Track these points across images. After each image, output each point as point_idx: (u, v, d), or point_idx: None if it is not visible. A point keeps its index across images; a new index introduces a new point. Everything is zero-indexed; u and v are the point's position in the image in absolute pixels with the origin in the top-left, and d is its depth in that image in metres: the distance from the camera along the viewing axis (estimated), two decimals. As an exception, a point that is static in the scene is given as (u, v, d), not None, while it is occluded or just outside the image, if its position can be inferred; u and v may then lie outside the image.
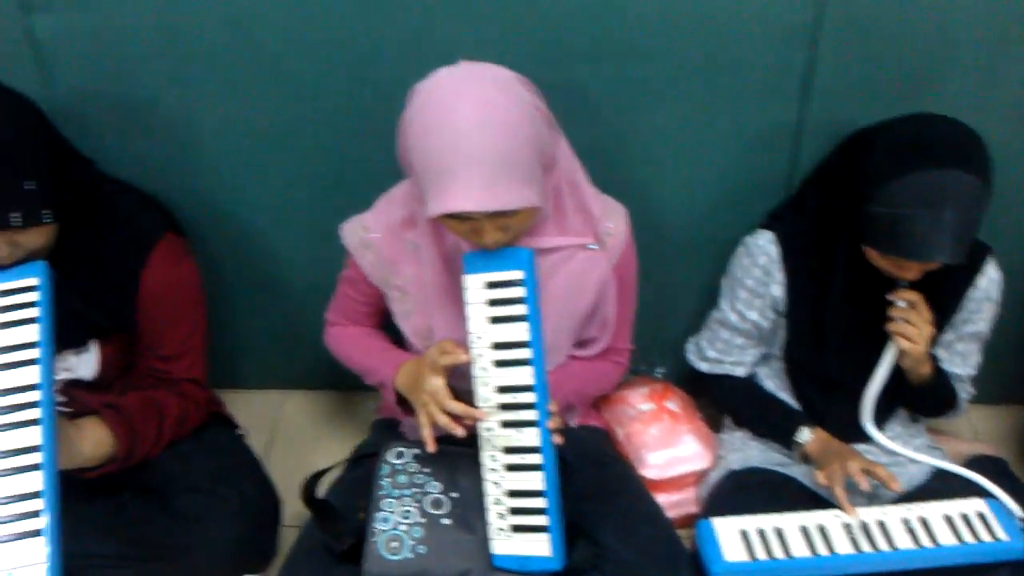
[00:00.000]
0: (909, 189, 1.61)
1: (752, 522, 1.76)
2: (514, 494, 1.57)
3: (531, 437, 1.55)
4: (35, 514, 1.47)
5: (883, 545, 1.73)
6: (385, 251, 1.72)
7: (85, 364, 1.83)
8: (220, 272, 2.17)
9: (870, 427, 1.92)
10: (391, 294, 1.76)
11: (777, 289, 1.90)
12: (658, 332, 2.20)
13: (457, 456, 1.67)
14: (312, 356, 2.40)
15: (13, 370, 1.53)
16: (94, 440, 1.71)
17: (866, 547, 1.73)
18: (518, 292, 1.54)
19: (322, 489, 1.79)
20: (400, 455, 1.73)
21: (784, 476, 1.93)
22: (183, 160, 2.03)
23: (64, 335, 1.64)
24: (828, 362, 1.91)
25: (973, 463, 1.95)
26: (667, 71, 1.85)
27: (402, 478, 1.69)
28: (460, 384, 1.61)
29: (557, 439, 1.56)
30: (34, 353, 1.54)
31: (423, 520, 1.64)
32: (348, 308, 1.86)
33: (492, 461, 1.58)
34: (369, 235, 1.73)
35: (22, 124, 1.58)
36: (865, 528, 1.75)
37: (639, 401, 2.16)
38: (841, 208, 1.75)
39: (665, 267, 2.09)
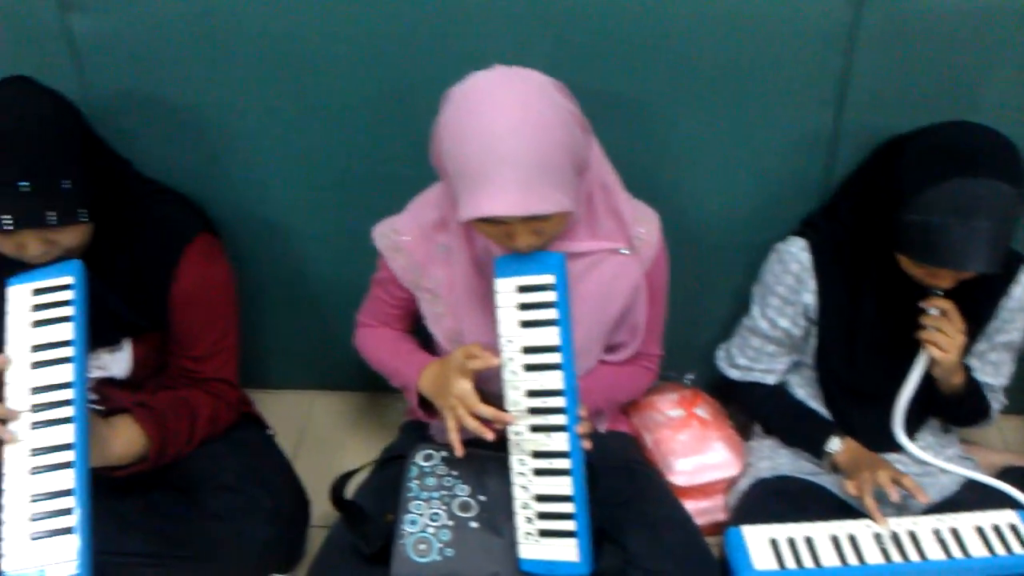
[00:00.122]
0: (943, 197, 1.60)
1: (782, 531, 1.75)
2: (542, 498, 1.57)
3: (560, 442, 1.55)
4: (67, 511, 1.48)
5: (913, 556, 1.71)
6: (416, 254, 1.73)
7: (118, 362, 1.84)
8: (250, 272, 2.18)
9: (901, 436, 1.90)
10: (422, 297, 1.76)
11: (809, 296, 1.89)
12: (688, 338, 2.19)
13: (485, 459, 1.68)
14: (341, 357, 2.40)
15: (47, 368, 1.55)
16: (126, 439, 1.72)
17: (896, 557, 1.71)
18: (549, 296, 1.54)
19: (350, 490, 1.79)
20: (429, 457, 1.73)
21: (814, 485, 1.92)
22: (216, 161, 2.05)
23: (98, 333, 1.66)
24: (859, 370, 1.90)
25: (1005, 474, 1.94)
26: (703, 76, 1.85)
27: (430, 480, 1.70)
28: (487, 387, 1.61)
29: (586, 444, 1.56)
30: (68, 351, 1.55)
31: (451, 523, 1.64)
32: (379, 310, 1.86)
33: (520, 465, 1.58)
34: (400, 238, 1.73)
35: (60, 123, 1.59)
36: (895, 538, 1.74)
37: (668, 407, 2.15)
38: (875, 215, 1.74)
39: (696, 273, 2.08)
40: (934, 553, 1.71)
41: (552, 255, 1.55)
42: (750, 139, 1.93)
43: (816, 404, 2.02)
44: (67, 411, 1.52)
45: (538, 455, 1.57)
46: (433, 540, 1.62)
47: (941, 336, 1.75)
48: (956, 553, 1.71)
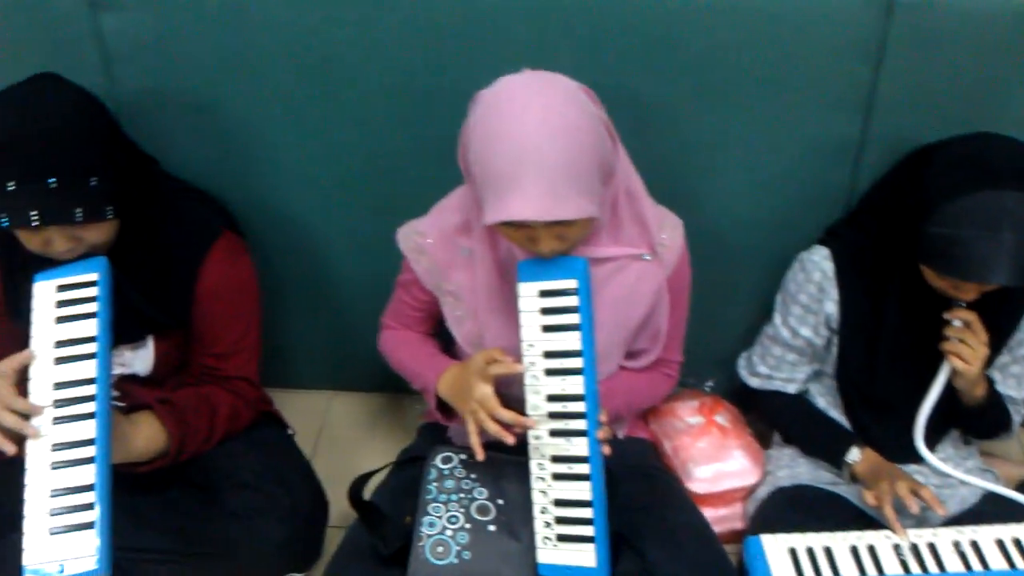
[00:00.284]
0: (968, 210, 1.59)
1: (801, 540, 1.75)
2: (561, 503, 1.56)
3: (580, 447, 1.55)
4: (88, 507, 1.49)
5: (933, 567, 1.71)
6: (439, 257, 1.73)
7: (141, 359, 1.84)
8: (272, 272, 2.18)
9: (922, 448, 1.89)
10: (444, 300, 1.76)
11: (831, 306, 1.89)
12: (709, 345, 2.18)
13: (504, 463, 1.68)
14: (360, 358, 2.41)
15: (71, 364, 1.55)
16: (147, 435, 1.73)
17: (915, 569, 1.71)
18: (571, 301, 1.54)
19: (367, 491, 1.79)
20: (447, 460, 1.74)
21: (833, 494, 1.91)
22: (241, 161, 2.06)
23: (121, 330, 1.66)
24: (881, 381, 1.89)
25: (1025, 487, 1.93)
26: (729, 82, 1.85)
27: (449, 483, 1.70)
28: (507, 391, 1.61)
29: (606, 450, 1.55)
30: (91, 348, 1.56)
31: (469, 526, 1.64)
32: (402, 312, 1.86)
33: (540, 469, 1.58)
34: (423, 240, 1.73)
35: (88, 121, 1.60)
36: (915, 550, 1.73)
37: (688, 414, 2.15)
38: (899, 226, 1.73)
39: (719, 280, 2.07)
40: (953, 565, 1.70)
41: (575, 260, 1.55)
42: (775, 146, 1.93)
43: (836, 414, 2.01)
44: (89, 407, 1.53)
45: (557, 460, 1.56)
46: (451, 543, 1.62)
47: (964, 348, 1.74)
48: (976, 566, 1.70)
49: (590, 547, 1.54)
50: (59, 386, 1.54)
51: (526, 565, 1.60)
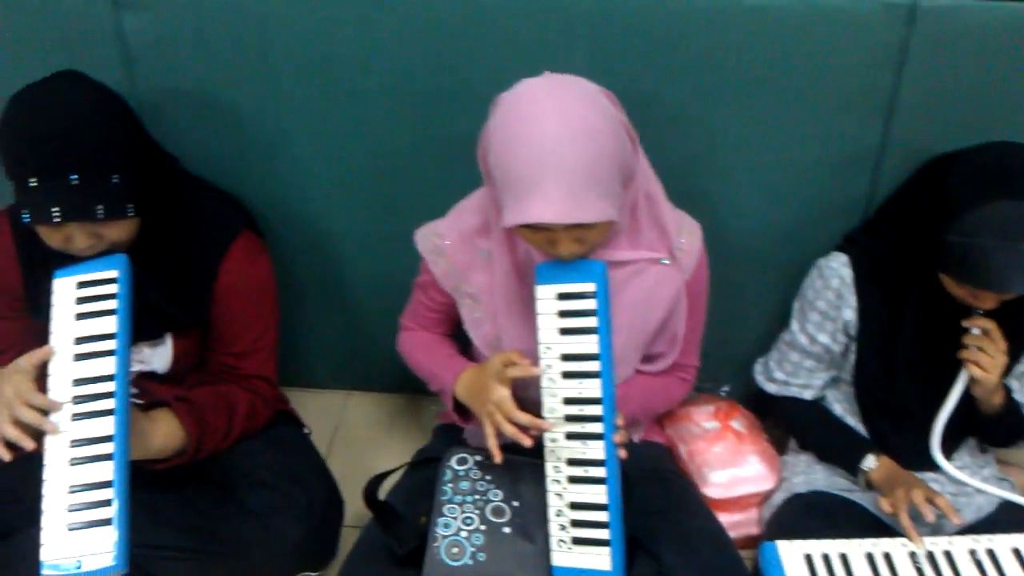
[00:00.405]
0: (987, 219, 1.59)
1: (817, 546, 1.74)
2: (576, 506, 1.56)
3: (596, 450, 1.55)
4: (106, 503, 1.49)
5: (949, 575, 1.71)
6: (457, 258, 1.73)
7: (159, 357, 1.85)
8: (290, 271, 2.20)
9: (938, 456, 1.89)
10: (462, 301, 1.76)
11: (849, 313, 1.88)
12: (726, 350, 2.18)
13: (519, 465, 1.68)
14: (376, 359, 2.42)
15: (90, 360, 1.56)
16: (165, 432, 1.73)
17: (931, 577, 1.71)
18: (589, 304, 1.54)
19: (382, 492, 1.79)
20: (463, 461, 1.74)
21: (848, 501, 1.91)
22: (260, 161, 2.07)
23: (140, 327, 1.66)
24: (898, 388, 1.88)
25: (1041, 496, 1.92)
26: (750, 87, 1.86)
27: (464, 484, 1.70)
28: (523, 394, 1.61)
29: (622, 453, 1.55)
30: (111, 344, 1.56)
31: (484, 528, 1.64)
32: (420, 313, 1.87)
33: (556, 472, 1.58)
34: (442, 242, 1.73)
35: (111, 118, 1.61)
36: (931, 557, 1.73)
37: (704, 419, 2.15)
38: (918, 234, 1.73)
39: (736, 285, 2.08)
40: (969, 573, 1.70)
41: (594, 263, 1.55)
42: (795, 152, 1.93)
43: (853, 420, 2.00)
44: (108, 404, 1.53)
45: (573, 463, 1.57)
46: (466, 544, 1.62)
47: (983, 356, 1.74)
48: (992, 574, 1.69)
49: (605, 551, 1.54)
50: (78, 382, 1.55)
51: (541, 567, 1.59)
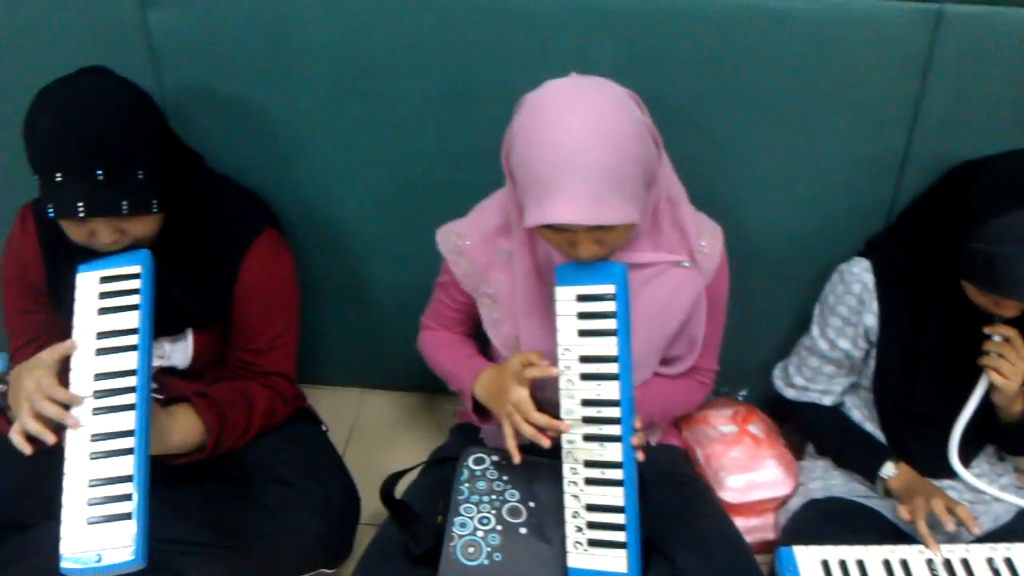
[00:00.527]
0: (1011, 227, 1.58)
1: (834, 552, 1.74)
2: (593, 508, 1.56)
3: (613, 452, 1.55)
4: (125, 497, 1.49)
5: (965, 584, 1.70)
6: (477, 258, 1.73)
7: (180, 352, 1.86)
8: (310, 270, 2.20)
9: (956, 463, 1.88)
10: (481, 301, 1.77)
11: (870, 318, 1.88)
12: (744, 354, 2.18)
13: (536, 466, 1.68)
14: (392, 357, 2.43)
15: (112, 355, 1.56)
16: (184, 428, 1.74)
17: (948, 585, 1.70)
18: (609, 306, 1.54)
19: (397, 491, 1.80)
20: (480, 461, 1.74)
21: (866, 508, 1.90)
22: (282, 160, 2.07)
23: (161, 322, 1.67)
24: (918, 395, 1.87)
25: (1060, 505, 1.91)
26: (774, 93, 1.85)
27: (481, 484, 1.70)
28: (541, 395, 1.61)
29: (640, 456, 1.55)
30: (133, 340, 1.57)
31: (500, 528, 1.64)
32: (440, 313, 1.87)
33: (573, 474, 1.58)
34: (462, 242, 1.74)
35: (137, 114, 1.61)
36: (948, 565, 1.72)
37: (721, 423, 2.14)
38: (941, 241, 1.73)
39: (756, 289, 2.08)
40: (986, 582, 1.70)
41: (614, 265, 1.55)
42: (819, 158, 1.92)
43: (871, 427, 2.00)
44: (129, 398, 1.53)
45: (590, 464, 1.57)
46: (482, 544, 1.62)
47: (1004, 363, 1.73)
48: (1009, 583, 1.69)
49: (621, 553, 1.54)
50: (100, 377, 1.55)
51: (556, 568, 1.60)
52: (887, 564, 1.72)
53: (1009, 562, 1.72)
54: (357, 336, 2.43)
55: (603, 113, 1.41)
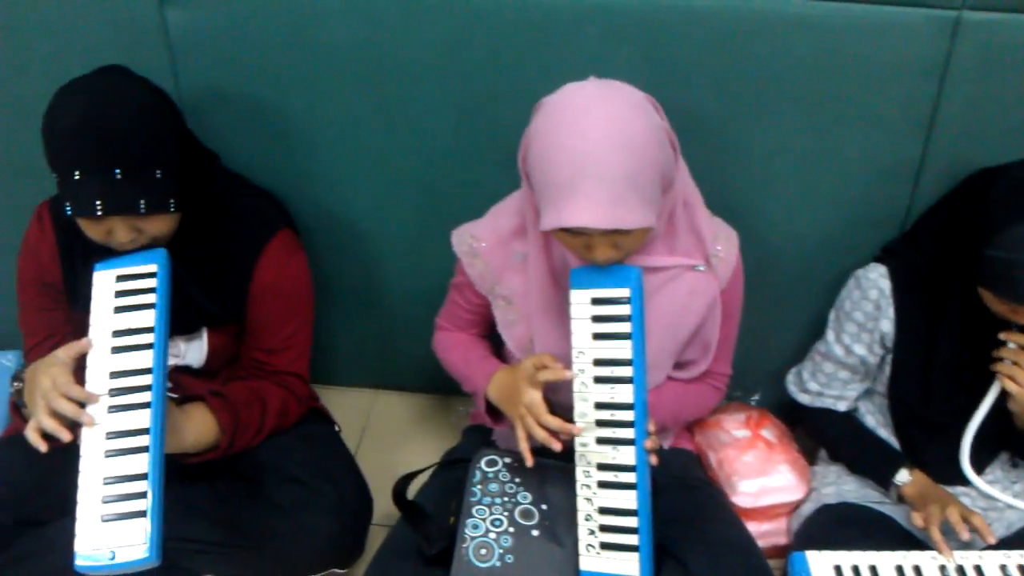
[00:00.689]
0: None
1: (847, 558, 1.73)
2: (605, 511, 1.56)
3: (627, 455, 1.55)
4: (140, 495, 1.49)
5: (978, 591, 1.69)
6: (492, 260, 1.73)
7: (194, 351, 1.86)
8: (324, 270, 2.21)
9: (968, 469, 1.87)
10: (496, 303, 1.77)
11: (887, 324, 1.87)
12: (757, 359, 2.18)
13: (549, 468, 1.68)
14: (405, 358, 2.43)
15: (127, 353, 1.57)
16: (199, 426, 1.74)
17: (961, 592, 1.69)
18: (623, 310, 1.54)
19: (409, 492, 1.80)
20: (492, 463, 1.74)
21: (879, 514, 1.89)
22: (299, 161, 2.08)
23: (177, 321, 1.68)
24: (933, 401, 1.87)
25: (1073, 512, 1.90)
26: (790, 97, 1.85)
27: (493, 486, 1.70)
28: (554, 397, 1.61)
29: (653, 460, 1.55)
30: (148, 338, 1.57)
31: (512, 530, 1.64)
32: (455, 314, 1.88)
33: (586, 477, 1.58)
34: (477, 244, 1.74)
35: (155, 113, 1.62)
36: (961, 572, 1.71)
37: (734, 427, 2.14)
38: (958, 247, 1.72)
39: (770, 294, 2.07)
40: (999, 590, 1.69)
41: (629, 269, 1.55)
42: (835, 164, 1.92)
43: (885, 433, 1.99)
44: (145, 396, 1.54)
45: (604, 467, 1.56)
46: (494, 545, 1.62)
47: (1019, 371, 1.72)
48: (1022, 591, 1.69)
49: (634, 556, 1.54)
50: (115, 375, 1.56)
51: (568, 571, 1.60)
52: (900, 570, 1.72)
53: (1023, 569, 1.71)
54: (370, 337, 2.43)
55: (621, 117, 1.41)
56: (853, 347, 1.93)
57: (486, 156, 1.97)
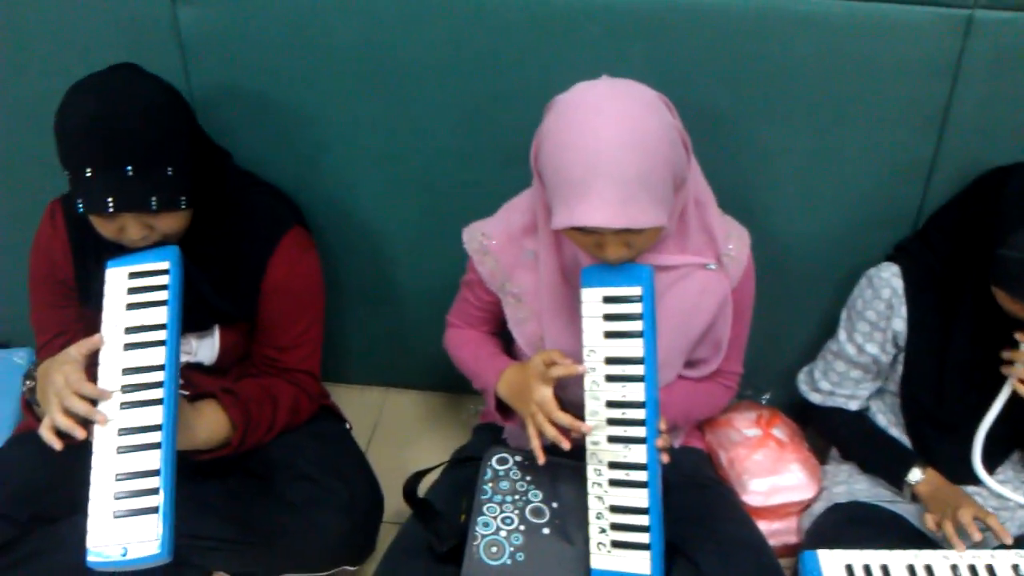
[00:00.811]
0: None
1: (858, 556, 1.73)
2: (617, 509, 1.56)
3: (638, 454, 1.54)
4: (152, 492, 1.50)
5: (990, 590, 1.69)
6: (503, 258, 1.73)
7: (206, 348, 1.87)
8: (335, 268, 2.21)
9: (979, 469, 1.87)
10: (506, 301, 1.77)
11: (899, 323, 1.87)
12: (768, 358, 2.18)
13: (559, 467, 1.68)
14: (416, 356, 2.43)
15: (140, 350, 1.57)
16: (211, 424, 1.75)
17: (972, 591, 1.69)
18: (635, 308, 1.54)
19: (420, 489, 1.80)
20: (503, 461, 1.74)
21: (890, 513, 1.89)
22: (309, 159, 2.08)
23: (189, 319, 1.67)
24: (946, 401, 1.86)
25: (1086, 512, 1.89)
26: (803, 96, 1.85)
27: (504, 484, 1.71)
28: (564, 394, 1.61)
29: (664, 458, 1.55)
30: (161, 335, 1.57)
31: (523, 528, 1.65)
32: (465, 311, 1.87)
33: (597, 475, 1.58)
34: (488, 242, 1.74)
35: (167, 111, 1.62)
36: (973, 570, 1.71)
37: (745, 426, 2.14)
38: (971, 246, 1.72)
39: (781, 293, 2.07)
40: (1011, 589, 1.69)
41: (640, 267, 1.54)
42: (847, 162, 1.92)
43: (897, 432, 1.99)
44: (157, 393, 1.54)
45: (615, 466, 1.56)
46: (505, 543, 1.62)
47: None
48: (1034, 591, 1.68)
49: (645, 555, 1.54)
50: (128, 372, 1.56)
51: (579, 569, 1.60)
52: (911, 569, 1.71)
53: (1034, 569, 1.71)
54: (381, 335, 2.44)
55: (634, 116, 1.41)
56: (865, 346, 1.92)
57: (496, 154, 1.97)
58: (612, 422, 1.56)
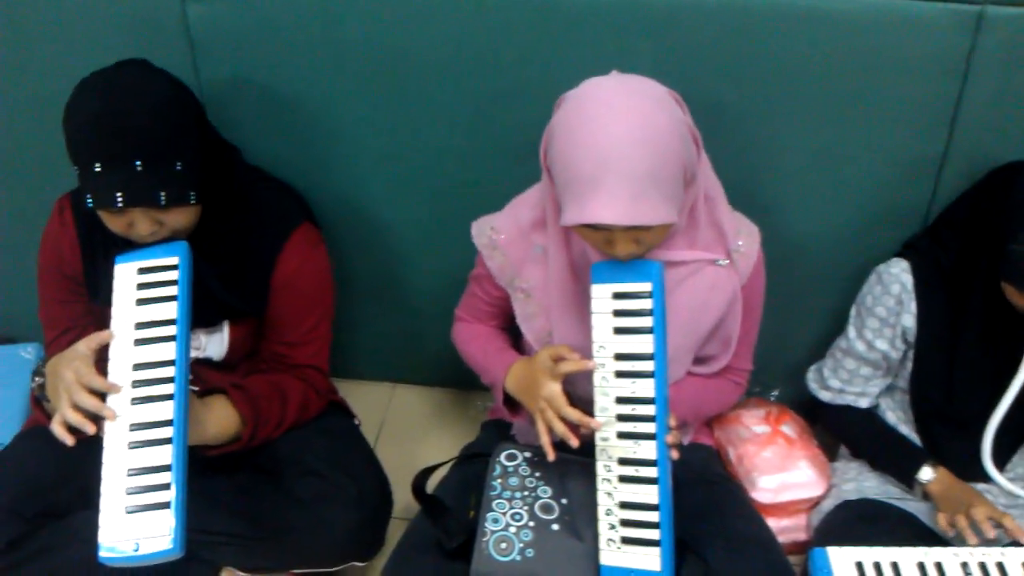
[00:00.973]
0: None
1: (868, 554, 1.72)
2: (626, 506, 1.56)
3: (648, 450, 1.54)
4: (164, 487, 1.50)
5: (1000, 587, 1.69)
6: (512, 253, 1.73)
7: (215, 344, 1.87)
8: (343, 264, 2.21)
9: (990, 466, 1.87)
10: (515, 296, 1.77)
11: (909, 319, 1.86)
12: (777, 355, 2.17)
13: (569, 463, 1.68)
14: (424, 352, 2.44)
15: (150, 345, 1.57)
16: (220, 419, 1.74)
17: (982, 588, 1.69)
18: (645, 304, 1.54)
19: (429, 485, 1.80)
20: (512, 457, 1.74)
21: (900, 510, 1.89)
22: (318, 154, 2.08)
23: (198, 314, 1.67)
24: (956, 397, 1.86)
25: (1097, 510, 1.89)
26: (812, 92, 1.85)
27: (513, 480, 1.71)
28: (572, 389, 1.61)
29: (674, 454, 1.55)
30: (171, 330, 1.57)
31: (532, 524, 1.64)
32: (474, 306, 1.87)
33: (606, 471, 1.57)
34: (497, 236, 1.74)
35: (176, 106, 1.62)
36: (983, 568, 1.70)
37: (754, 422, 2.14)
38: (981, 242, 1.72)
39: (791, 290, 2.07)
40: (1021, 587, 1.68)
41: (650, 263, 1.54)
42: (857, 159, 1.92)
43: (906, 429, 1.98)
44: (167, 388, 1.54)
45: (624, 462, 1.56)
46: (514, 540, 1.62)
47: None
48: (1045, 588, 1.68)
49: (655, 551, 1.54)
50: (138, 367, 1.56)
51: (589, 565, 1.59)
52: (921, 567, 1.71)
53: (1045, 566, 1.71)
54: (389, 330, 2.44)
55: (644, 113, 1.40)
56: (875, 342, 1.92)
57: (505, 151, 1.97)
58: (621, 418, 1.56)
